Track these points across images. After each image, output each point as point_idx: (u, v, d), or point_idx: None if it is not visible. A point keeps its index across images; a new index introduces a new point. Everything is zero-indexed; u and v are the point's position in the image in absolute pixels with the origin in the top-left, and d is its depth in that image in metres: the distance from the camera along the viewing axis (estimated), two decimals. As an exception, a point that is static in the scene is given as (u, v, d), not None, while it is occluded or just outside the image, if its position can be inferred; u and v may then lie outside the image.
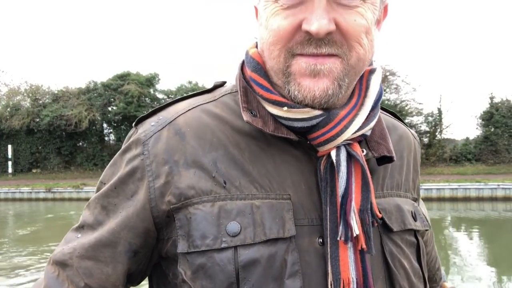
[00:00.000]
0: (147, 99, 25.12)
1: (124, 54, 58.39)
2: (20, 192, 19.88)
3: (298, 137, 0.69)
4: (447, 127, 22.56)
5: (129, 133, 0.77)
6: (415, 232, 0.79)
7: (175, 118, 0.73)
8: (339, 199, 0.68)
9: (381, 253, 0.72)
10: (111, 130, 25.85)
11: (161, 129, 0.72)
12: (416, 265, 0.77)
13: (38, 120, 24.55)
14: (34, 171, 25.18)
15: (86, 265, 0.69)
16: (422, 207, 0.97)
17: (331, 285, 0.66)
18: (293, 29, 0.64)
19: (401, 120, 0.91)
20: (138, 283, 0.77)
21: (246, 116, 0.69)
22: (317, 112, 0.67)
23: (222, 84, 0.81)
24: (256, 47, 0.76)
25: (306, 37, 0.63)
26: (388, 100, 21.85)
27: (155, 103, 25.43)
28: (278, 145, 0.71)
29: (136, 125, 0.76)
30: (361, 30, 0.64)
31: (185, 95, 0.78)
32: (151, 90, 25.55)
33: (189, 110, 0.74)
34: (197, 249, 0.66)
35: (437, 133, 22.17)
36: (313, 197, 0.70)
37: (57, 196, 19.36)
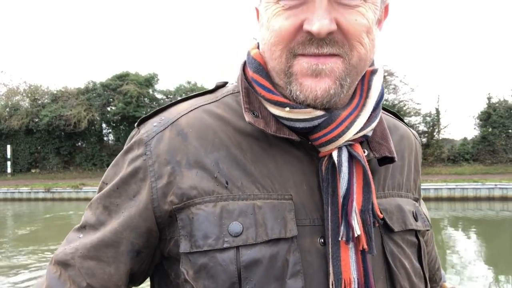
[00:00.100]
0: (146, 99, 25.14)
1: (123, 54, 58.37)
2: (19, 192, 19.86)
3: (300, 138, 0.69)
4: (445, 127, 22.65)
5: (131, 134, 0.77)
6: (416, 232, 0.79)
7: (177, 119, 0.73)
8: (340, 200, 0.68)
9: (382, 253, 0.72)
10: (110, 130, 25.87)
11: (163, 129, 0.72)
12: (417, 265, 0.77)
13: (37, 120, 24.56)
14: (33, 171, 25.16)
15: (89, 265, 0.69)
16: (423, 207, 0.98)
17: (332, 285, 0.66)
18: (295, 29, 0.64)
19: (402, 120, 0.92)
20: (140, 283, 0.77)
21: (248, 117, 0.69)
22: (319, 113, 0.68)
23: (224, 84, 0.81)
24: (258, 47, 0.76)
25: (307, 37, 0.64)
26: (386, 100, 21.89)
27: (154, 103, 25.45)
28: (280, 146, 0.71)
29: (138, 125, 0.76)
30: (362, 29, 0.64)
31: (187, 95, 0.80)
32: (150, 90, 25.57)
33: (191, 110, 0.74)
34: (199, 249, 0.66)
35: (435, 133, 22.23)
36: (315, 197, 0.70)
37: (56, 196, 19.34)
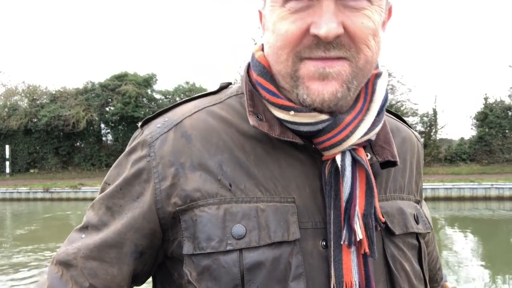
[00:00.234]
0: (144, 99, 25.15)
1: (121, 55, 58.35)
2: (18, 192, 19.85)
3: (303, 141, 0.69)
4: (442, 127, 22.71)
5: (135, 134, 0.77)
6: (417, 235, 0.79)
7: (181, 120, 0.73)
8: (343, 204, 0.68)
9: (383, 256, 0.73)
10: (109, 130, 25.86)
11: (167, 131, 0.72)
12: (417, 267, 0.78)
13: (35, 120, 24.53)
14: (31, 171, 25.15)
15: (91, 265, 0.69)
16: (425, 208, 0.98)
17: (333, 287, 0.67)
18: (301, 33, 0.64)
19: (405, 122, 0.92)
20: (143, 282, 0.77)
21: (252, 120, 0.69)
22: (324, 117, 0.67)
23: (228, 85, 0.80)
24: (262, 50, 0.76)
25: (314, 41, 0.63)
26: (384, 100, 21.87)
27: (153, 103, 25.48)
28: (283, 148, 0.71)
29: (141, 126, 0.76)
30: (368, 32, 0.64)
31: (185, 95, 0.85)
32: (149, 91, 25.58)
33: (195, 112, 0.74)
34: (203, 251, 0.66)
35: (432, 134, 22.29)
36: (317, 200, 0.70)
37: (55, 196, 19.34)
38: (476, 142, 21.68)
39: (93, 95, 25.00)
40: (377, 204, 0.70)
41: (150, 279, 0.80)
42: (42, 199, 19.37)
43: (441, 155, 21.38)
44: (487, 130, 21.47)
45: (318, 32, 0.62)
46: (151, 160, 0.70)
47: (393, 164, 0.75)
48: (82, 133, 24.69)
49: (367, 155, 0.71)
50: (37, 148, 25.24)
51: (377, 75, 0.74)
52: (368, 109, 0.71)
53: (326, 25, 0.61)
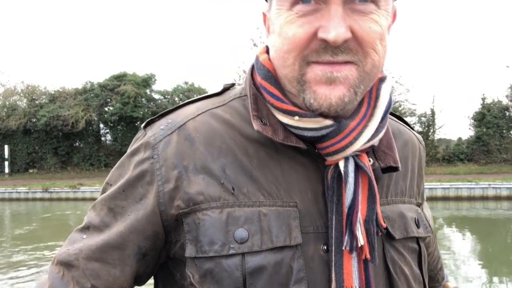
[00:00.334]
0: (143, 99, 25.15)
1: (120, 55, 58.35)
2: (17, 192, 19.84)
3: (306, 146, 0.69)
4: (440, 127, 22.78)
5: (137, 135, 0.77)
6: (417, 239, 0.79)
7: (184, 123, 0.72)
8: (345, 210, 0.68)
9: (383, 260, 0.73)
10: (108, 131, 25.87)
11: (170, 133, 0.72)
12: (417, 271, 0.78)
13: (34, 120, 24.53)
14: (30, 171, 25.16)
15: (93, 266, 0.69)
16: (426, 210, 0.98)
17: None
18: (309, 37, 0.63)
19: (407, 123, 0.91)
20: (144, 282, 0.77)
21: (256, 125, 0.69)
22: (328, 122, 0.67)
23: (231, 86, 0.80)
24: (266, 52, 0.75)
25: (322, 45, 0.63)
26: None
27: (152, 103, 25.50)
28: (286, 152, 0.71)
29: (144, 127, 0.76)
30: (376, 37, 0.64)
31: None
32: (148, 91, 25.60)
33: (198, 115, 0.73)
34: (205, 255, 0.66)
35: (430, 134, 22.34)
36: (319, 205, 0.70)
37: (54, 196, 19.34)
38: (474, 142, 21.74)
39: (92, 95, 25.01)
40: (378, 210, 0.70)
41: (151, 279, 0.80)
42: (41, 199, 19.37)
43: (439, 155, 21.43)
44: (484, 130, 21.53)
45: (326, 37, 0.61)
46: (154, 163, 0.70)
47: (394, 169, 0.75)
48: (81, 133, 24.70)
49: (369, 160, 0.71)
50: (36, 148, 25.25)
51: (382, 79, 0.73)
52: (372, 115, 0.70)
53: (335, 29, 0.61)
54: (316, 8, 0.63)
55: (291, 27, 0.64)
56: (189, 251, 0.67)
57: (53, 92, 25.58)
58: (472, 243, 9.66)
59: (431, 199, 15.96)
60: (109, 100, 24.79)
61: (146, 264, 0.73)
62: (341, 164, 0.69)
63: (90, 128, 25.01)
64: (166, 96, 25.97)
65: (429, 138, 22.05)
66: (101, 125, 25.76)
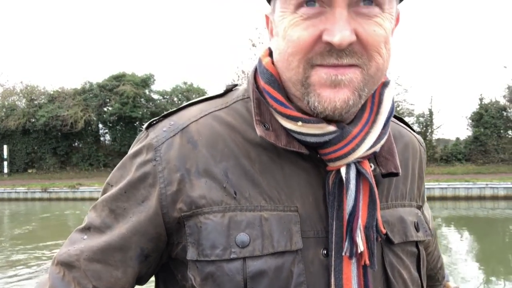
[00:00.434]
0: (142, 99, 25.17)
1: (119, 55, 58.37)
2: (16, 192, 19.84)
3: (309, 151, 0.69)
4: (438, 127, 22.88)
5: (139, 136, 0.77)
6: (416, 242, 0.80)
7: (187, 125, 0.72)
8: (346, 216, 0.69)
9: (381, 264, 0.73)
10: (107, 131, 25.89)
11: (173, 135, 0.71)
12: (416, 274, 0.79)
13: (33, 120, 24.53)
14: (29, 171, 25.15)
15: (95, 268, 0.69)
16: (426, 211, 0.98)
17: None
18: (314, 40, 0.63)
19: (407, 125, 0.91)
20: (145, 282, 0.77)
21: (259, 131, 0.68)
22: (331, 129, 0.67)
23: (233, 87, 0.80)
24: (269, 55, 0.75)
25: (326, 48, 0.63)
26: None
27: (151, 103, 25.52)
28: (288, 157, 0.71)
29: (146, 128, 0.76)
30: (380, 40, 0.64)
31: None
32: (147, 91, 25.61)
33: (201, 117, 0.73)
34: (207, 258, 0.66)
35: (428, 134, 22.42)
36: (320, 209, 0.71)
37: (53, 196, 19.34)
38: (472, 142, 21.79)
39: (91, 95, 25.02)
40: (379, 216, 0.70)
41: (152, 278, 0.81)
42: (40, 199, 19.37)
43: (436, 155, 21.49)
44: (482, 130, 21.59)
45: (331, 40, 0.61)
46: (157, 165, 0.70)
47: (395, 174, 0.75)
48: (80, 133, 24.71)
49: (370, 166, 0.72)
50: (35, 148, 25.25)
51: (385, 84, 0.73)
52: (374, 121, 0.70)
53: (340, 32, 0.61)
54: (321, 11, 0.63)
55: (295, 29, 0.64)
56: (191, 254, 0.68)
57: (52, 92, 25.57)
58: (469, 243, 9.69)
59: (429, 198, 15.96)
60: (108, 100, 24.81)
61: (148, 266, 0.73)
62: (343, 171, 0.69)
63: (89, 128, 25.03)
64: (165, 96, 26.00)
65: (427, 138, 22.13)
66: (100, 125, 25.78)
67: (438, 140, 23.15)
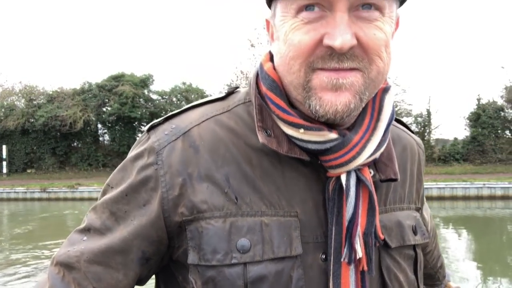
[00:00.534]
0: (141, 100, 25.18)
1: (118, 55, 58.37)
2: (15, 192, 19.84)
3: (309, 157, 0.70)
4: (436, 128, 22.93)
5: (140, 138, 0.77)
6: (414, 246, 0.80)
7: (189, 129, 0.72)
8: (345, 222, 0.69)
9: (378, 268, 0.74)
10: (106, 131, 25.92)
11: (175, 139, 0.72)
12: (412, 277, 0.79)
13: (33, 120, 24.53)
14: (28, 171, 25.16)
15: (95, 270, 0.68)
16: (426, 211, 0.98)
17: None
18: (315, 43, 0.63)
19: (406, 126, 0.92)
20: (145, 283, 0.77)
21: (261, 138, 0.69)
22: (333, 136, 0.68)
23: (234, 90, 0.80)
24: (270, 60, 0.75)
25: (327, 51, 0.63)
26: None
27: (149, 103, 25.54)
28: (289, 162, 0.71)
29: (148, 131, 0.75)
30: (381, 43, 0.64)
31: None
32: (145, 91, 25.62)
33: (203, 121, 0.73)
34: (208, 263, 0.67)
35: (426, 134, 22.47)
36: (319, 214, 0.71)
37: (52, 196, 19.35)
38: (469, 142, 21.85)
39: (90, 95, 25.04)
40: (377, 222, 0.71)
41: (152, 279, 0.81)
42: (39, 199, 19.37)
43: (435, 155, 21.52)
44: (480, 130, 21.64)
45: (332, 44, 0.61)
46: (158, 169, 0.70)
47: (393, 180, 0.75)
48: (79, 133, 24.72)
49: (370, 172, 0.72)
50: (34, 148, 25.25)
51: (385, 90, 0.74)
52: (374, 128, 0.71)
53: (341, 36, 0.61)
54: (322, 15, 0.63)
55: (296, 33, 0.64)
56: (192, 258, 0.68)
57: (51, 93, 25.59)
58: (466, 242, 9.73)
59: (427, 198, 15.48)
60: (107, 100, 24.82)
61: (149, 268, 0.73)
62: (343, 178, 0.69)
63: (88, 128, 25.05)
64: (164, 97, 26.02)
65: (425, 138, 22.18)
66: (99, 125, 25.80)
67: (436, 140, 23.20)
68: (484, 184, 16.32)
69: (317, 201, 0.71)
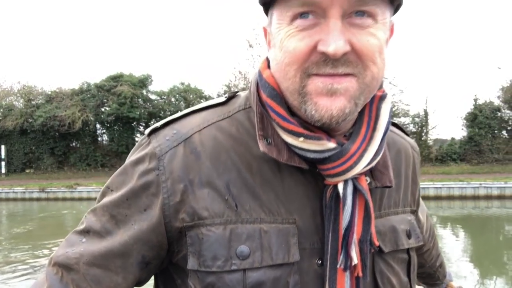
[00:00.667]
0: (140, 100, 25.16)
1: (117, 55, 58.32)
2: (13, 192, 19.81)
3: (308, 166, 0.71)
4: (433, 128, 22.94)
5: (141, 142, 0.77)
6: (407, 249, 0.81)
7: (190, 135, 0.73)
8: (341, 230, 0.71)
9: (371, 272, 0.75)
10: (104, 131, 25.87)
11: (176, 145, 0.72)
12: (405, 279, 0.81)
13: (31, 120, 24.50)
14: (27, 171, 25.13)
15: (95, 272, 0.69)
16: (422, 212, 0.98)
17: None
18: (309, 50, 0.65)
19: (401, 129, 0.93)
20: (144, 284, 0.78)
21: (262, 146, 0.70)
22: (331, 145, 0.69)
23: (235, 94, 0.81)
24: (268, 66, 0.76)
25: (322, 57, 0.64)
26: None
27: (148, 104, 25.53)
28: (288, 170, 0.72)
29: (149, 135, 0.76)
30: (374, 49, 0.65)
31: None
32: (144, 91, 25.60)
33: (204, 127, 0.74)
34: (208, 269, 0.68)
35: (423, 134, 22.50)
36: (316, 221, 0.72)
37: (51, 196, 19.34)
38: (466, 142, 21.89)
39: (88, 95, 25.01)
40: (373, 230, 0.72)
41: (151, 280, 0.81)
42: (38, 199, 19.36)
43: (432, 155, 21.57)
44: (477, 130, 21.67)
45: (326, 50, 0.63)
46: (160, 174, 0.71)
47: (388, 187, 0.77)
48: (78, 134, 24.71)
49: (366, 180, 0.74)
50: (33, 148, 25.22)
51: (382, 98, 0.74)
52: (371, 138, 0.72)
53: (334, 42, 0.62)
54: (316, 23, 0.65)
55: (291, 40, 0.66)
56: (192, 264, 0.69)
57: (49, 93, 25.56)
58: (463, 241, 9.76)
59: (424, 198, 15.47)
60: (105, 100, 24.80)
61: (148, 272, 0.74)
62: (340, 187, 0.71)
63: (87, 128, 25.02)
64: (163, 97, 26.00)
65: (422, 138, 22.23)
66: (98, 126, 25.76)
67: (435, 140, 23.28)
68: (480, 184, 16.36)
69: (314, 208, 0.73)
